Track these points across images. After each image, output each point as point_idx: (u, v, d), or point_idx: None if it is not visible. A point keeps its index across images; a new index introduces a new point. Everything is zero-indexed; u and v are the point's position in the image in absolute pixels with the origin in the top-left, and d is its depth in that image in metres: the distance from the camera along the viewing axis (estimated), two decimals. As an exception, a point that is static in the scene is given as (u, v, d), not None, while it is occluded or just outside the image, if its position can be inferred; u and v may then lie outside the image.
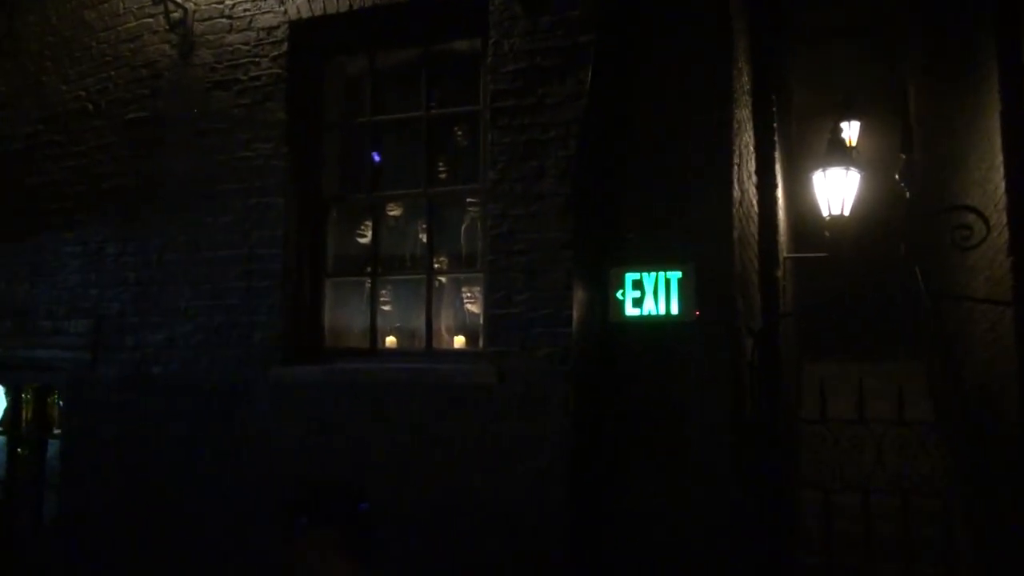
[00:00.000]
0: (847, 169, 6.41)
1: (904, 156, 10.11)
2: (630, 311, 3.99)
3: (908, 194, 9.09)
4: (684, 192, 4.01)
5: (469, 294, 5.09)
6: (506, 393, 4.27)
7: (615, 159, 4.13)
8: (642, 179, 4.11)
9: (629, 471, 3.96)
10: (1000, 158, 5.07)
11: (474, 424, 4.31)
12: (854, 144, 11.06)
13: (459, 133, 5.07)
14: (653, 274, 3.95)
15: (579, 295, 4.03)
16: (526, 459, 4.16)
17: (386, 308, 5.22)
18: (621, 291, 4.01)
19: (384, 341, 5.15)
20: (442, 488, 4.32)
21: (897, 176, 9.13)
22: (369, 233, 5.20)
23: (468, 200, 5.09)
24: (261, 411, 4.84)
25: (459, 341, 5.06)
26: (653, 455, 3.93)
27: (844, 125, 10.76)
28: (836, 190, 6.38)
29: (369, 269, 5.08)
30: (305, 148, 5.09)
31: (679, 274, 3.92)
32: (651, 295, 3.95)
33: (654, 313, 3.94)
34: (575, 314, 4.04)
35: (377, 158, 5.08)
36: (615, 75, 4.12)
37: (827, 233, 6.31)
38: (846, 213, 6.38)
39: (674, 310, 3.91)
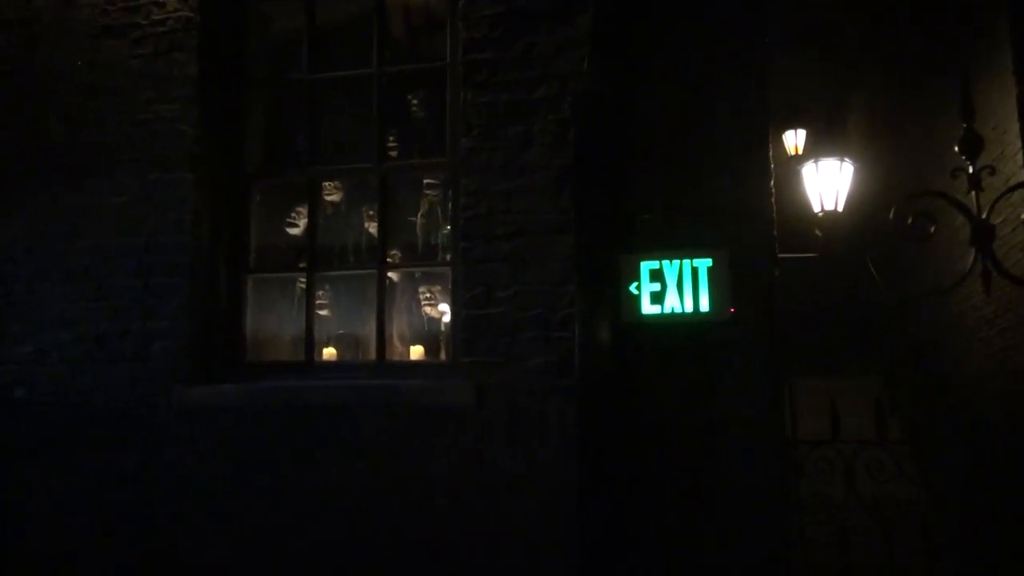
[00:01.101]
0: (841, 161, 5.88)
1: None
2: (648, 308, 3.19)
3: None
4: (712, 161, 3.25)
5: (428, 294, 4.18)
6: (486, 416, 3.37)
7: (624, 121, 3.33)
8: (659, 146, 3.32)
9: (647, 511, 3.12)
10: (1019, 143, 4.62)
11: (444, 459, 3.39)
12: (800, 152, 10.75)
13: (418, 97, 4.18)
14: (676, 262, 3.17)
15: (581, 290, 3.20)
16: (514, 502, 3.27)
17: (324, 312, 4.24)
18: (636, 284, 3.20)
19: (322, 353, 4.17)
20: (401, 546, 3.37)
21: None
22: (303, 220, 4.23)
23: (426, 182, 4.19)
24: (161, 445, 3.75)
25: (416, 351, 4.14)
26: (679, 489, 3.11)
27: (790, 133, 10.44)
28: (829, 184, 5.83)
29: (303, 264, 4.09)
30: (222, 110, 4.07)
31: (709, 262, 3.14)
32: (674, 288, 3.16)
33: (678, 311, 3.15)
34: (576, 313, 3.20)
35: (313, 127, 4.10)
36: (623, 15, 3.33)
37: (818, 232, 5.72)
38: (840, 209, 5.84)
39: (703, 306, 3.13)
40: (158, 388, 3.80)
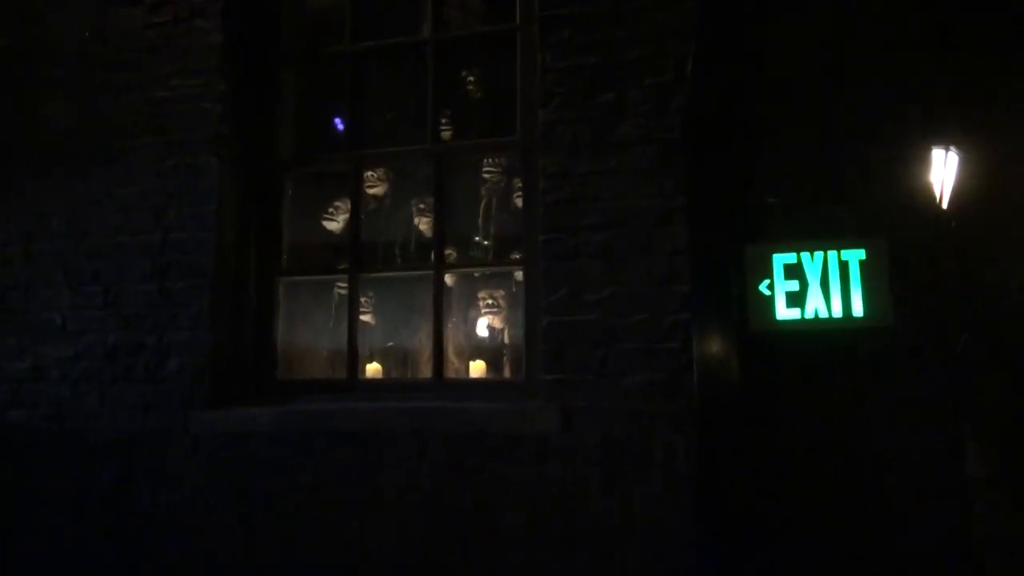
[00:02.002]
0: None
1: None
2: (784, 313, 2.54)
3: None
4: (858, 132, 2.60)
5: (490, 300, 3.55)
6: (574, 445, 2.73)
7: (742, 85, 2.70)
8: (789, 115, 2.68)
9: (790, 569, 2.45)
10: None
11: (520, 501, 2.75)
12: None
13: (479, 67, 3.58)
14: (820, 255, 2.51)
15: (696, 290, 2.56)
16: (608, 558, 2.61)
17: (367, 320, 3.62)
18: (767, 282, 2.55)
19: (365, 369, 3.54)
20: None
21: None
22: (343, 215, 3.63)
23: (487, 170, 3.58)
24: (178, 476, 3.15)
25: (477, 368, 3.51)
26: (825, 549, 2.44)
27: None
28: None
29: (343, 265, 3.47)
30: (252, 87, 3.49)
31: (862, 254, 2.49)
32: (817, 287, 2.51)
33: (823, 315, 2.49)
34: (691, 320, 2.56)
35: (356, 107, 3.50)
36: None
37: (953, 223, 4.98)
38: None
39: (856, 310, 2.47)
40: (175, 411, 3.20)
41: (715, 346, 2.54)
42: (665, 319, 2.68)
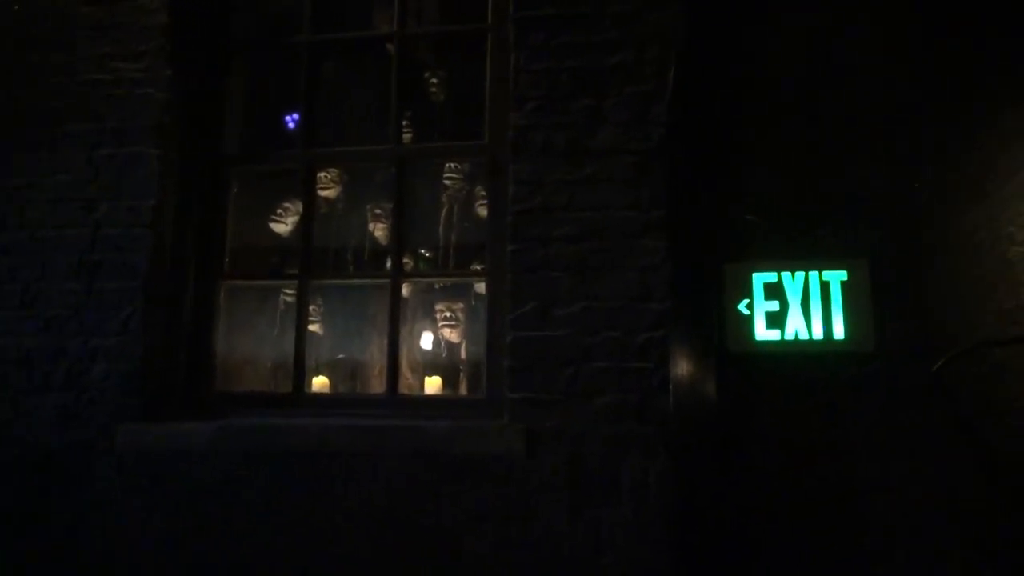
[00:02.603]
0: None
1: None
2: (763, 334, 2.44)
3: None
4: (845, 150, 2.54)
5: (448, 314, 3.37)
6: (541, 469, 2.57)
7: (726, 97, 2.62)
8: (775, 130, 2.61)
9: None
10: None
11: (479, 529, 2.57)
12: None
13: (446, 67, 3.42)
14: (801, 275, 2.43)
15: (673, 308, 2.44)
16: (580, 585, 2.46)
17: (315, 329, 3.39)
18: (747, 301, 2.45)
19: (312, 382, 3.31)
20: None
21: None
22: (293, 217, 3.41)
23: (448, 176, 3.42)
24: (104, 499, 2.85)
25: (432, 384, 3.32)
26: (811, 566, 2.35)
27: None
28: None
29: (293, 271, 3.24)
30: (199, 74, 3.24)
31: (843, 275, 2.42)
32: (797, 308, 2.42)
33: (803, 337, 2.40)
34: (667, 338, 2.44)
35: (312, 102, 3.29)
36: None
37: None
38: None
39: (837, 332, 2.39)
40: (100, 424, 2.90)
41: (691, 366, 2.42)
42: (638, 337, 2.55)
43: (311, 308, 3.31)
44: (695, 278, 2.47)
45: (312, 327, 3.34)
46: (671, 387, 2.42)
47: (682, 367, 2.42)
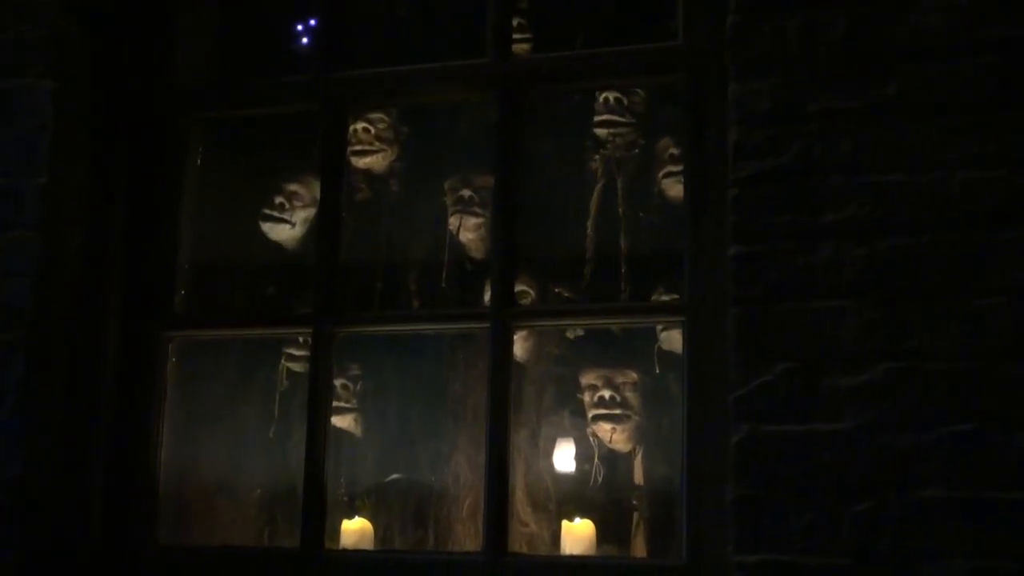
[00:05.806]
0: None
1: None
2: None
3: None
4: None
5: (608, 393, 1.75)
6: None
7: None
8: None
9: None
10: None
11: None
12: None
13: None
14: None
15: None
16: None
17: (346, 424, 1.83)
18: None
19: (340, 528, 1.74)
20: None
21: None
22: (302, 210, 1.86)
23: (602, 115, 1.80)
24: None
25: (577, 534, 1.69)
26: None
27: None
28: None
29: (305, 310, 1.68)
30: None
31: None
32: None
33: None
34: None
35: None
36: None
37: None
38: None
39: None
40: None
41: None
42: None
43: (338, 383, 1.73)
44: None
45: (340, 420, 1.78)
46: None
47: None
